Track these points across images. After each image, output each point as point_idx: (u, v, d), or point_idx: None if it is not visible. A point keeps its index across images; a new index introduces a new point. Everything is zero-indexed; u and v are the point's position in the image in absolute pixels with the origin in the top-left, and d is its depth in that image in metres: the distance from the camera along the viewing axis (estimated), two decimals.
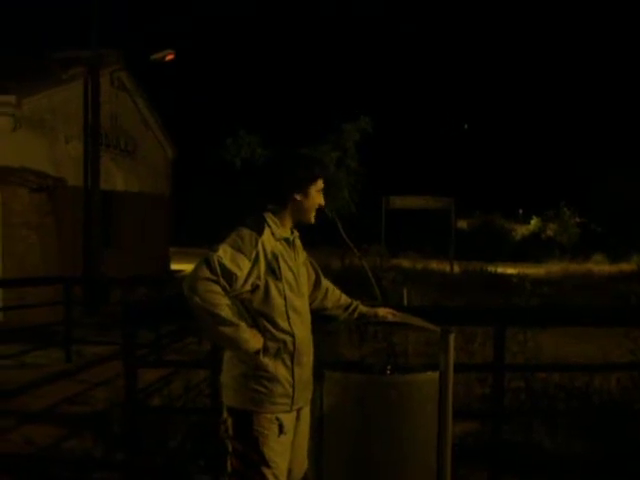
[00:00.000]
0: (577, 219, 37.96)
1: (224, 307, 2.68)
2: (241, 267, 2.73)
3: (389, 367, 3.19)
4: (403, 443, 2.99)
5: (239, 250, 2.74)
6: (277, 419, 2.82)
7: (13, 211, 12.07)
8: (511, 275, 17.25)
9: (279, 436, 2.82)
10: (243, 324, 2.73)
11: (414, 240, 29.52)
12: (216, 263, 2.69)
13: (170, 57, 16.78)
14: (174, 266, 20.24)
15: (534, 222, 42.67)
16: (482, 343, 6.45)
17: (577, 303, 12.92)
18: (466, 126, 58.68)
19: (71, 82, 14.37)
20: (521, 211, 48.41)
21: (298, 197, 2.94)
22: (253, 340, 2.75)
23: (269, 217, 2.91)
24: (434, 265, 23.51)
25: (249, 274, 2.76)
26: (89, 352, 9.42)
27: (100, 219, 14.57)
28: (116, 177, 16.43)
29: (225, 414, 2.90)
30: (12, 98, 12.40)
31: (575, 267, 26.61)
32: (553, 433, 4.68)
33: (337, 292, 3.28)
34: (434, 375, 3.07)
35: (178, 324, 9.55)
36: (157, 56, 16.65)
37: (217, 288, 2.68)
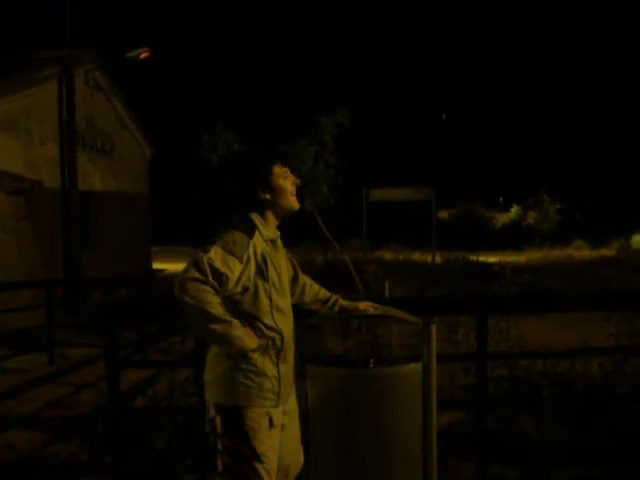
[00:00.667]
0: (557, 206, 38.21)
1: (215, 305, 2.68)
2: (232, 269, 2.73)
3: (372, 360, 3.19)
4: (388, 435, 2.99)
5: (231, 253, 2.73)
6: (267, 413, 2.82)
7: None
8: (492, 263, 17.34)
9: (269, 430, 2.83)
10: (236, 321, 2.72)
11: (396, 232, 29.60)
12: (206, 265, 2.67)
13: (145, 55, 16.66)
14: (156, 265, 20.15)
15: (514, 210, 42.93)
16: (466, 333, 6.46)
17: (558, 290, 13.00)
18: (444, 116, 58.83)
19: (45, 82, 14.23)
20: (501, 199, 48.62)
21: (267, 196, 2.94)
22: (247, 338, 2.75)
23: (256, 218, 2.92)
24: (416, 256, 23.61)
25: (240, 276, 2.76)
26: (73, 355, 9.35)
27: (78, 220, 14.46)
28: (94, 177, 16.31)
29: (212, 412, 2.89)
30: None
31: (556, 254, 26.82)
32: (537, 420, 4.71)
33: (315, 286, 3.28)
34: (417, 366, 3.07)
35: (161, 323, 9.51)
36: (132, 54, 16.52)
37: (208, 288, 2.67)
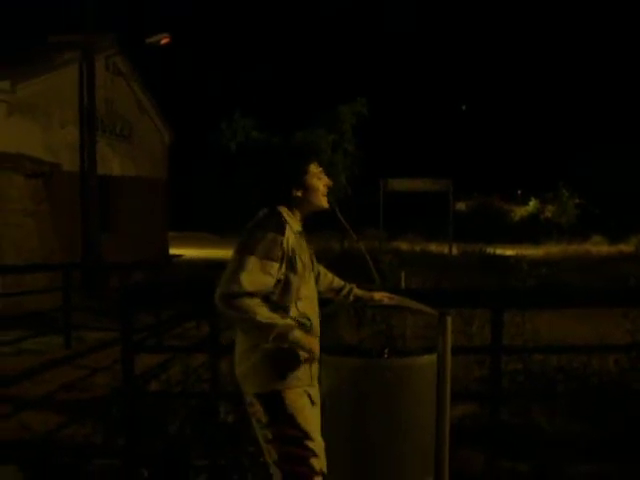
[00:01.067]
0: (576, 200, 37.93)
1: (265, 312, 2.67)
2: (272, 274, 2.73)
3: (386, 350, 3.18)
4: (401, 425, 2.99)
5: (268, 258, 2.71)
6: (305, 391, 2.83)
7: (9, 197, 12.02)
8: (509, 257, 17.27)
9: (311, 408, 2.85)
10: (290, 324, 2.74)
11: (413, 222, 29.56)
12: (246, 281, 2.65)
13: (165, 41, 16.69)
14: (174, 250, 20.25)
15: (532, 203, 42.67)
16: (481, 326, 6.43)
17: (575, 284, 12.92)
18: (464, 107, 58.47)
19: (66, 67, 14.30)
20: (520, 192, 48.32)
21: (299, 193, 2.92)
22: (306, 339, 2.76)
23: (285, 212, 2.89)
24: (433, 247, 23.58)
25: (277, 273, 2.77)
26: (89, 338, 9.43)
27: (97, 204, 14.55)
28: (112, 162, 16.38)
29: (253, 405, 2.86)
30: (6, 84, 12.36)
31: (574, 248, 26.69)
32: (551, 415, 4.69)
33: (330, 275, 3.27)
34: (432, 358, 3.07)
35: (177, 308, 9.56)
36: (152, 40, 16.55)
37: (252, 300, 2.66)
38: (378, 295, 3.29)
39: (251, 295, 2.65)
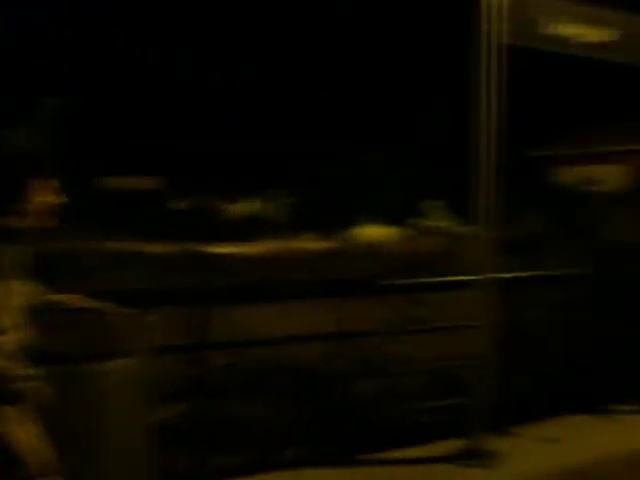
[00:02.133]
0: (289, 199, 39.83)
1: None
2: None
3: (84, 355, 3.04)
4: (106, 430, 2.94)
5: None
6: None
7: None
8: (222, 255, 17.62)
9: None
10: None
11: (127, 222, 28.89)
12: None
13: None
14: None
15: (249, 202, 43.95)
16: (190, 324, 6.44)
17: (283, 281, 13.51)
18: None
19: None
20: (237, 191, 49.47)
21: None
22: None
23: None
24: (148, 247, 23.23)
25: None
26: None
27: None
28: None
29: None
30: None
31: (286, 245, 27.90)
32: (256, 406, 4.83)
33: None
34: (132, 360, 3.00)
35: None
36: None
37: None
38: (69, 298, 3.13)
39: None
